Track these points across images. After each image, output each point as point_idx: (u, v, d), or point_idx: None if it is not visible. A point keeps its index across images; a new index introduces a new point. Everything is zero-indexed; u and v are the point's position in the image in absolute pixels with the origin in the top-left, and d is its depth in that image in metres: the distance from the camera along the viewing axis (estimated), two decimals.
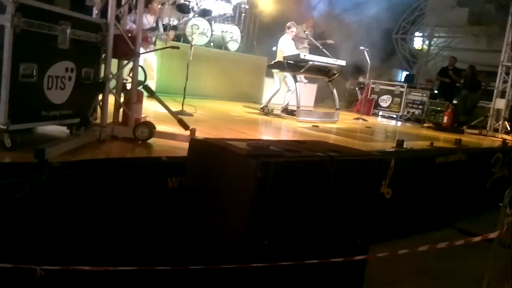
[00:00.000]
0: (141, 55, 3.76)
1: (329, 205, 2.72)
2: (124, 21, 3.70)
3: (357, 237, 2.97)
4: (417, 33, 16.80)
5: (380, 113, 10.82)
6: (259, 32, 10.17)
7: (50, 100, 2.95)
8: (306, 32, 9.19)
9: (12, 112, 2.61)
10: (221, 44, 9.49)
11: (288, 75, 7.30)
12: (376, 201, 3.18)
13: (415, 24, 16.35)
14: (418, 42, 17.14)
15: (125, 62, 3.68)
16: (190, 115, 5.56)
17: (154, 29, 6.75)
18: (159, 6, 8.86)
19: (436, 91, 11.70)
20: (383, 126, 8.86)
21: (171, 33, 6.64)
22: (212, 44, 9.31)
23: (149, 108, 4.86)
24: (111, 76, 3.48)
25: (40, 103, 2.88)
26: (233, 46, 9.68)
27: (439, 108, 9.14)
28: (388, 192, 4.45)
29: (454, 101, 10.35)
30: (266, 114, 7.29)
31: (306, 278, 2.63)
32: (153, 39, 6.83)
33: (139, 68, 3.68)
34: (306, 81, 9.38)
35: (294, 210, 2.54)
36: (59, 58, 2.96)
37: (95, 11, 3.50)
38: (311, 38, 9.12)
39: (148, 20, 6.80)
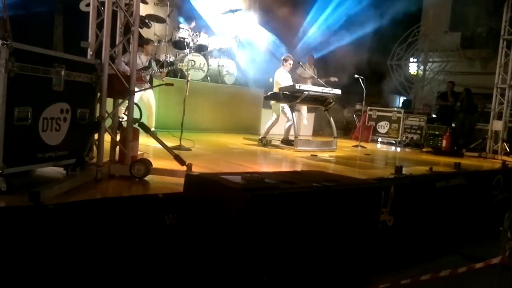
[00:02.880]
0: (136, 94, 3.79)
1: (328, 236, 2.69)
2: (119, 61, 3.76)
3: (359, 267, 2.92)
4: (411, 59, 17.01)
5: (379, 139, 10.86)
6: (255, 65, 10.32)
7: (45, 141, 2.96)
8: (305, 69, 9.30)
9: (7, 156, 2.62)
10: (217, 78, 9.62)
11: (286, 106, 7.36)
12: (377, 230, 3.14)
13: (409, 50, 16.59)
14: (413, 68, 17.35)
15: (120, 100, 3.72)
16: (188, 149, 5.57)
17: (147, 68, 6.87)
18: (155, 44, 9.05)
19: (434, 116, 11.77)
20: (382, 152, 8.85)
21: (164, 71, 6.76)
22: (209, 78, 9.44)
23: (148, 145, 4.88)
24: (106, 115, 3.50)
25: (35, 145, 2.89)
26: (229, 79, 9.80)
27: (437, 132, 9.17)
28: (389, 220, 4.41)
29: (452, 125, 10.40)
30: (265, 145, 7.31)
31: None
32: (147, 77, 6.95)
33: (135, 106, 3.71)
34: (305, 113, 9.42)
35: (293, 242, 2.50)
36: (54, 100, 2.99)
37: (89, 52, 3.55)
38: (315, 75, 9.20)
39: (141, 60, 6.94)
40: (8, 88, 2.58)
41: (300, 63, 9.05)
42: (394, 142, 10.58)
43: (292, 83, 7.54)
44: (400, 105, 16.32)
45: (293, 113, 7.21)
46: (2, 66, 2.55)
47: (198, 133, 7.46)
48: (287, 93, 7.01)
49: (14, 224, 2.30)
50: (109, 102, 3.59)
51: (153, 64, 6.95)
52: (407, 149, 9.62)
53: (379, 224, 3.98)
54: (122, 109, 4.04)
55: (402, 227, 4.54)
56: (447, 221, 5.29)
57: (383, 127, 10.84)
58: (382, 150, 9.36)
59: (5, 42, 2.56)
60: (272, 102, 7.75)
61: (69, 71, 3.07)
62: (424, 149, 9.29)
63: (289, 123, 7.54)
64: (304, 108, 9.25)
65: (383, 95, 15.77)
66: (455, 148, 8.83)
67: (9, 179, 2.67)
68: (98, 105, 3.48)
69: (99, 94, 3.46)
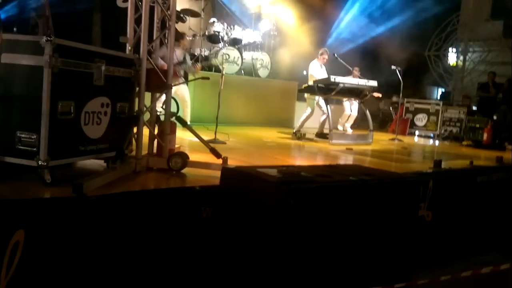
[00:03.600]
0: (172, 88, 3.85)
1: (366, 230, 2.66)
2: (156, 55, 3.82)
3: (397, 263, 2.88)
4: (450, 49, 16.46)
5: (417, 132, 10.60)
6: (289, 58, 10.27)
7: (87, 135, 3.05)
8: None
9: (52, 148, 2.72)
10: (251, 71, 9.63)
11: (321, 99, 7.29)
12: (415, 225, 3.08)
13: (448, 40, 16.06)
14: (452, 58, 16.79)
15: (158, 94, 3.79)
16: (223, 143, 5.62)
17: (181, 63, 6.92)
18: (190, 38, 9.14)
19: (474, 108, 11.39)
20: (420, 146, 8.65)
21: (198, 66, 6.79)
22: (243, 71, 9.46)
23: (184, 138, 4.95)
24: (144, 109, 3.57)
25: (77, 138, 2.98)
26: (263, 72, 9.80)
27: (477, 125, 8.88)
28: (428, 215, 4.31)
29: (494, 117, 10.02)
30: (299, 138, 7.27)
31: None
32: (181, 72, 7.00)
33: (172, 100, 3.77)
34: (346, 100, 9.11)
35: (329, 236, 2.49)
36: (95, 94, 3.08)
37: (128, 47, 3.63)
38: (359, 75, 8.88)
39: (177, 54, 6.98)
40: (52, 83, 2.67)
41: (336, 55, 8.90)
42: (432, 135, 10.31)
43: (326, 76, 7.46)
44: (439, 97, 15.86)
45: (328, 106, 7.14)
46: (46, 62, 2.64)
47: (232, 126, 7.50)
48: (322, 85, 6.94)
49: (59, 214, 2.38)
50: (147, 96, 3.67)
51: (188, 58, 7.01)
52: (446, 143, 9.36)
53: (417, 219, 3.90)
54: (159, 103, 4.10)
55: (441, 223, 4.43)
56: (488, 217, 5.12)
57: (420, 119, 10.57)
58: (419, 143, 9.14)
59: (48, 38, 2.64)
60: (307, 95, 7.70)
61: (109, 66, 3.15)
62: (464, 143, 9.01)
63: (324, 116, 7.48)
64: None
65: (420, 87, 15.39)
66: (497, 141, 8.52)
67: (53, 171, 2.77)
68: (136, 99, 3.55)
69: (137, 88, 3.53)
